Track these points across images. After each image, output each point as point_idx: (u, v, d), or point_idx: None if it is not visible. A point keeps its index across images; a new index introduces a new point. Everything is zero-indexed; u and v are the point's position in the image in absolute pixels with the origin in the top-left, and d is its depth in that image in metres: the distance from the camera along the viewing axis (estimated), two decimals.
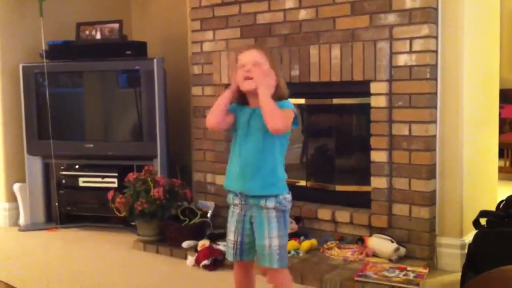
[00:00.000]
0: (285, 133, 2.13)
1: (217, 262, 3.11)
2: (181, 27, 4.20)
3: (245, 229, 2.18)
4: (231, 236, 2.21)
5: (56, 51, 4.09)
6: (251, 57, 2.13)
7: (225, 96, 2.17)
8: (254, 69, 2.11)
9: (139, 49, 4.05)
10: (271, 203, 2.12)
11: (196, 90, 3.91)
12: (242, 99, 2.21)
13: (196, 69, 3.90)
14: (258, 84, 2.08)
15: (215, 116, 2.18)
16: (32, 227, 4.10)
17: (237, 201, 2.19)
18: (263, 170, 2.12)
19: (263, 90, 2.07)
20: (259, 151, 2.12)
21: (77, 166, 4.16)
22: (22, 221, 4.16)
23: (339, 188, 3.44)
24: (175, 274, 3.09)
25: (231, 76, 2.23)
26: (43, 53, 4.04)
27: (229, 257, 2.24)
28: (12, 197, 4.20)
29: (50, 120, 3.99)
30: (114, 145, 4.02)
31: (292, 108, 2.14)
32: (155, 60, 3.85)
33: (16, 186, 4.17)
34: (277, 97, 2.13)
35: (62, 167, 4.16)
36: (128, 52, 3.98)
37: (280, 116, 2.05)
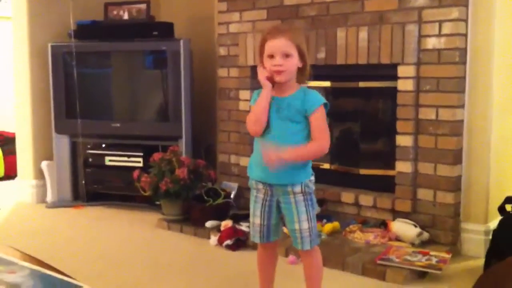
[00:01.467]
0: None
1: (239, 242, 3.13)
2: (208, 8, 4.19)
3: (272, 212, 2.18)
4: (257, 220, 2.20)
5: (84, 31, 4.12)
6: (281, 48, 2.04)
7: (263, 102, 2.08)
8: (285, 63, 2.04)
9: (166, 30, 4.06)
10: (297, 188, 2.12)
11: (222, 72, 3.92)
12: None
13: (222, 51, 3.90)
14: (279, 161, 2.01)
15: (257, 126, 2.10)
16: (59, 204, 4.18)
17: (260, 186, 2.18)
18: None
19: (289, 158, 2.03)
20: (284, 140, 2.08)
21: (103, 145, 4.21)
22: (49, 198, 4.24)
23: (363, 171, 3.43)
24: (198, 253, 3.12)
25: (258, 63, 2.14)
26: (72, 33, 4.08)
27: (256, 239, 2.24)
28: (40, 175, 4.28)
29: (77, 100, 4.04)
30: (140, 125, 4.06)
31: (322, 102, 2.08)
32: (181, 41, 3.86)
33: (44, 164, 4.24)
34: (303, 79, 2.12)
35: (88, 146, 4.22)
36: (155, 33, 4.00)
37: (320, 147, 2.07)
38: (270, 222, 2.19)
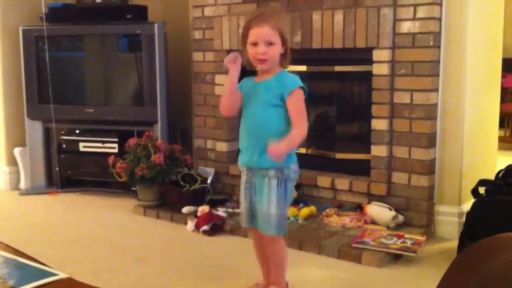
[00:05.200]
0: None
1: (216, 227, 3.13)
2: None
3: (251, 195, 2.18)
4: (243, 204, 2.22)
5: (56, 14, 4.04)
6: (265, 37, 2.06)
7: (232, 82, 2.12)
8: (268, 51, 2.06)
9: (140, 13, 4.00)
10: (272, 171, 2.12)
11: (197, 56, 3.89)
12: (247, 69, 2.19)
13: (197, 34, 3.86)
14: (276, 156, 2.01)
15: (227, 106, 2.19)
16: (32, 191, 4.13)
17: (244, 168, 2.21)
18: (271, 136, 2.11)
19: (286, 149, 2.03)
20: (263, 124, 2.10)
21: (77, 131, 4.16)
22: (22, 185, 4.18)
23: (339, 155, 3.45)
24: (175, 239, 3.12)
25: (241, 48, 2.16)
26: (43, 16, 4.00)
27: (242, 224, 2.26)
28: (12, 161, 4.21)
29: (50, 84, 3.97)
30: (115, 110, 4.01)
31: (299, 84, 2.09)
32: (156, 24, 3.81)
33: (17, 150, 4.17)
34: (285, 63, 2.14)
35: (62, 132, 4.16)
36: (129, 16, 3.94)
37: (299, 127, 2.06)
38: (251, 206, 2.19)
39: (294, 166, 2.17)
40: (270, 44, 2.06)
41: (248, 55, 2.12)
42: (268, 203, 2.12)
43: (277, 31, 2.07)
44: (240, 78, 2.19)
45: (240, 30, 3.47)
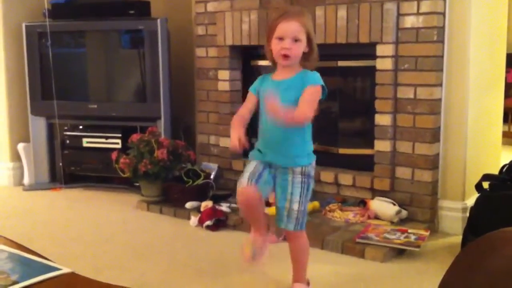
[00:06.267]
0: None
1: (219, 222, 3.14)
2: None
3: (265, 171, 2.13)
4: (250, 167, 2.12)
5: (59, 10, 4.04)
6: (292, 32, 2.05)
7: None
8: (294, 47, 2.06)
9: (142, 8, 4.00)
10: (298, 169, 2.12)
11: (200, 52, 3.88)
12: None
13: (200, 30, 3.85)
14: (275, 112, 1.97)
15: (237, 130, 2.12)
16: (36, 186, 4.14)
17: (259, 162, 2.16)
18: (292, 143, 2.12)
19: (280, 112, 1.98)
20: (286, 128, 2.08)
21: (80, 127, 4.16)
22: (26, 180, 4.19)
23: (342, 151, 3.44)
24: (178, 234, 3.12)
25: (265, 44, 2.17)
26: (46, 12, 4.00)
27: (242, 181, 2.09)
28: (16, 157, 4.22)
29: (53, 80, 3.97)
30: (118, 106, 4.01)
31: (319, 83, 2.09)
32: (158, 20, 3.80)
33: (20, 146, 4.18)
34: (309, 64, 2.13)
35: (65, 128, 4.17)
36: (131, 12, 3.94)
37: (304, 110, 2.02)
38: (263, 173, 2.13)
39: (314, 163, 2.19)
40: (296, 40, 2.06)
41: (270, 51, 2.11)
42: (291, 199, 2.12)
43: (304, 29, 2.07)
44: (254, 78, 2.18)
45: (244, 26, 3.48)
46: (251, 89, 2.22)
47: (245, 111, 2.18)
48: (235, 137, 2.05)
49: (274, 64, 2.18)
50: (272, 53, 2.12)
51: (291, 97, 2.06)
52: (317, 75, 2.12)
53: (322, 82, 2.10)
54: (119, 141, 3.96)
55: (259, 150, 2.19)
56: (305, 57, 2.12)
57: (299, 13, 2.11)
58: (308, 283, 2.30)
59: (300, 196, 2.13)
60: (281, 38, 2.06)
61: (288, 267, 2.30)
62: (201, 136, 3.96)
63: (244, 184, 2.08)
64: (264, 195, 2.15)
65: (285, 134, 2.10)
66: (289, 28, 2.05)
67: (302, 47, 2.08)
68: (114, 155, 3.62)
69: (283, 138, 2.11)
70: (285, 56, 2.07)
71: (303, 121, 2.06)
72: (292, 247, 2.24)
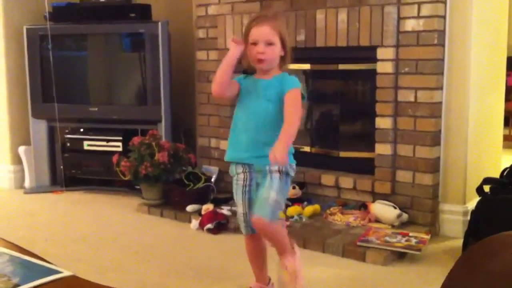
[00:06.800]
0: None
1: (220, 225, 3.14)
2: None
3: (251, 200, 2.16)
4: (239, 209, 2.20)
5: (60, 13, 4.05)
6: (264, 36, 2.07)
7: (230, 57, 2.10)
8: (267, 50, 2.07)
9: (144, 11, 4.00)
10: (275, 167, 2.10)
11: (200, 55, 3.89)
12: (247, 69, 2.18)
13: (201, 33, 3.86)
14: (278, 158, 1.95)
15: (219, 81, 2.13)
16: (37, 189, 4.14)
17: (240, 169, 2.17)
18: (272, 142, 2.08)
19: (286, 148, 1.98)
20: (267, 122, 2.09)
21: (81, 130, 4.16)
22: (27, 183, 4.19)
23: (343, 154, 3.44)
24: (179, 237, 3.12)
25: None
26: (47, 15, 4.00)
27: (243, 230, 2.23)
28: (17, 160, 4.22)
29: (54, 83, 3.98)
30: (119, 109, 4.01)
31: (299, 86, 2.09)
32: (159, 23, 3.81)
33: (21, 149, 4.18)
34: (285, 66, 2.14)
35: (66, 131, 4.17)
36: (132, 15, 3.94)
37: (292, 120, 2.02)
38: (251, 197, 2.15)
39: (293, 164, 2.17)
40: (269, 44, 2.08)
41: (249, 56, 2.12)
42: (269, 188, 2.09)
43: (277, 32, 2.09)
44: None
45: (244, 29, 3.47)
46: (236, 78, 2.20)
47: None
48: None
49: (252, 68, 2.16)
50: (249, 58, 2.13)
51: (272, 94, 2.09)
52: (295, 79, 2.13)
53: (299, 86, 2.11)
54: (120, 144, 3.97)
55: (232, 148, 2.19)
56: (282, 59, 2.13)
57: (272, 17, 2.13)
58: (293, 248, 2.24)
59: (278, 186, 2.09)
60: (254, 43, 2.09)
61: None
62: (202, 139, 3.96)
63: (246, 237, 2.24)
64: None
65: (265, 130, 2.09)
66: (261, 32, 2.08)
67: (276, 50, 2.09)
68: (115, 158, 3.62)
69: (263, 133, 2.09)
70: (260, 60, 2.09)
71: (296, 130, 2.04)
72: (268, 233, 2.14)
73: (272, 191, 2.09)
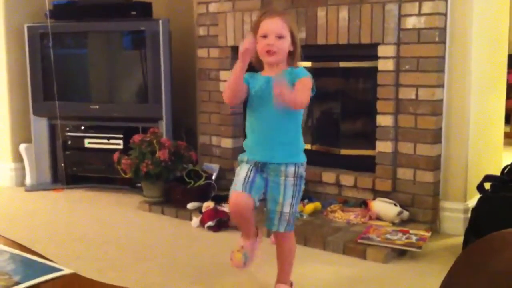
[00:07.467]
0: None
1: (221, 223, 3.14)
2: None
3: (256, 175, 2.12)
4: (242, 174, 2.11)
5: (61, 11, 4.05)
6: (275, 29, 2.05)
7: (239, 71, 2.05)
8: (277, 43, 2.05)
9: (144, 9, 4.00)
10: (290, 170, 2.11)
11: (201, 52, 3.89)
12: (254, 65, 2.16)
13: (202, 31, 3.86)
14: (283, 94, 1.94)
15: (230, 95, 2.11)
16: (38, 187, 4.14)
17: (252, 162, 2.14)
18: (286, 139, 2.11)
19: (287, 94, 1.96)
20: (281, 119, 2.09)
21: (82, 127, 4.16)
22: (28, 181, 4.19)
23: (344, 152, 3.44)
24: (180, 235, 3.12)
25: (250, 37, 2.11)
26: (48, 13, 4.00)
27: (237, 187, 2.09)
28: (18, 158, 4.22)
29: (55, 81, 3.98)
30: (120, 107, 4.02)
31: (309, 75, 2.09)
32: (160, 21, 3.81)
33: (22, 147, 4.19)
34: (293, 63, 2.13)
35: (67, 128, 4.17)
36: (133, 13, 3.94)
37: (302, 95, 2.00)
38: (255, 179, 2.11)
39: (305, 163, 2.18)
40: (279, 37, 2.06)
41: (258, 49, 2.09)
42: (283, 202, 2.11)
43: (288, 26, 2.08)
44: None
45: (245, 26, 3.48)
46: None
47: None
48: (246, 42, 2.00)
49: (260, 64, 2.14)
50: (257, 54, 2.10)
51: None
52: (304, 70, 2.12)
53: (308, 74, 2.10)
54: (121, 142, 3.97)
55: (248, 151, 2.18)
56: (291, 56, 2.12)
57: (282, 11, 2.13)
58: (291, 285, 2.28)
59: (292, 199, 2.12)
60: (265, 36, 2.07)
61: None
62: (203, 136, 3.96)
63: (237, 192, 2.09)
64: (257, 200, 2.14)
65: (278, 129, 2.09)
66: (272, 24, 2.06)
67: (286, 43, 2.08)
68: (115, 156, 3.62)
69: (277, 133, 2.09)
70: (270, 52, 2.06)
71: (301, 104, 2.03)
72: (281, 248, 2.22)
73: (286, 207, 2.12)
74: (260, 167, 2.14)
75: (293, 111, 2.09)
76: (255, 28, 2.11)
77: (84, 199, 3.90)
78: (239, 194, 2.09)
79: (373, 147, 3.19)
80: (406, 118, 3.06)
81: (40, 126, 4.15)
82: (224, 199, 3.40)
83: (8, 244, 1.73)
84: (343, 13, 3.19)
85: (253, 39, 2.04)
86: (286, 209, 2.12)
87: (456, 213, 3.04)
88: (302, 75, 2.08)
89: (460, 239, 2.75)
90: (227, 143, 3.75)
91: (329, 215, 3.17)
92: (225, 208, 3.26)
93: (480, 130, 3.14)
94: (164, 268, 2.65)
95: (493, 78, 3.32)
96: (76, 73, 4.17)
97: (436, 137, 3.01)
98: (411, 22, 2.99)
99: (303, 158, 2.18)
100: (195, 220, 3.23)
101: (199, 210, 3.33)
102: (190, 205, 3.39)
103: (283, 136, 2.11)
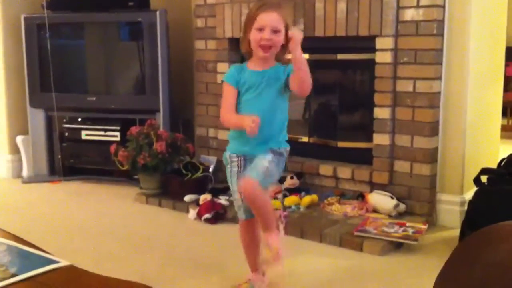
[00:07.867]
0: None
1: (218, 215, 3.14)
2: None
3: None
4: (236, 195, 2.19)
5: (58, 2, 4.02)
6: (271, 22, 2.05)
7: (240, 126, 2.06)
8: (273, 37, 2.05)
9: (142, 0, 3.97)
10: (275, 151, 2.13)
11: (199, 44, 3.87)
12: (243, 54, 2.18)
13: (199, 22, 3.84)
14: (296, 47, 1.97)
15: (227, 126, 2.19)
16: (35, 179, 4.13)
17: (234, 158, 2.17)
18: (275, 132, 2.12)
19: (301, 54, 1.98)
20: (272, 113, 2.09)
21: (79, 119, 4.15)
22: (25, 173, 4.19)
23: (341, 144, 3.44)
24: (177, 227, 3.12)
25: (244, 31, 2.14)
26: (45, 4, 3.98)
27: (241, 215, 2.22)
28: (15, 149, 4.22)
29: (52, 73, 3.96)
30: (117, 99, 4.00)
31: None
32: (157, 12, 3.79)
33: (19, 139, 4.18)
34: (283, 56, 2.13)
35: (64, 120, 4.16)
36: (131, 4, 3.92)
37: (309, 75, 2.02)
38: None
39: (287, 148, 2.18)
40: (275, 31, 2.06)
41: (248, 42, 2.10)
42: (262, 158, 2.08)
43: (283, 20, 2.08)
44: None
45: (243, 18, 3.45)
46: (230, 81, 2.15)
47: (232, 109, 2.14)
48: (249, 119, 1.98)
49: (249, 54, 2.15)
50: (249, 43, 2.10)
51: (275, 89, 2.09)
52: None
53: None
54: (118, 133, 3.96)
55: (237, 142, 2.17)
56: (282, 49, 2.11)
57: (278, 5, 2.12)
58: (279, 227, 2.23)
59: (271, 159, 2.08)
60: (261, 29, 2.06)
61: (287, 260, 2.30)
62: (200, 129, 3.96)
63: (243, 222, 2.24)
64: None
65: (270, 121, 2.08)
66: (269, 18, 2.05)
67: (281, 38, 2.08)
68: (112, 148, 3.62)
69: (268, 126, 2.07)
70: (265, 47, 2.06)
71: (309, 84, 2.03)
72: (254, 204, 2.09)
73: (264, 161, 2.08)
74: (243, 160, 2.16)
75: (283, 102, 2.11)
76: (250, 20, 2.10)
77: (81, 191, 3.90)
78: (245, 225, 2.24)
79: (370, 140, 3.19)
80: (403, 111, 3.06)
81: (37, 118, 4.14)
82: (221, 191, 3.41)
83: (5, 236, 1.73)
84: (341, 5, 3.18)
85: (258, 121, 1.99)
86: (265, 162, 2.06)
87: (452, 206, 3.04)
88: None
89: (457, 232, 2.76)
90: (224, 135, 3.74)
91: (326, 208, 3.17)
92: (222, 200, 3.27)
93: (478, 122, 3.14)
94: (161, 260, 2.65)
95: (491, 71, 3.31)
96: (73, 65, 4.16)
97: (433, 130, 3.01)
98: (409, 14, 2.98)
99: (286, 145, 2.18)
100: (192, 212, 3.23)
101: (196, 202, 3.33)
102: (187, 198, 3.39)
103: (274, 127, 2.11)
